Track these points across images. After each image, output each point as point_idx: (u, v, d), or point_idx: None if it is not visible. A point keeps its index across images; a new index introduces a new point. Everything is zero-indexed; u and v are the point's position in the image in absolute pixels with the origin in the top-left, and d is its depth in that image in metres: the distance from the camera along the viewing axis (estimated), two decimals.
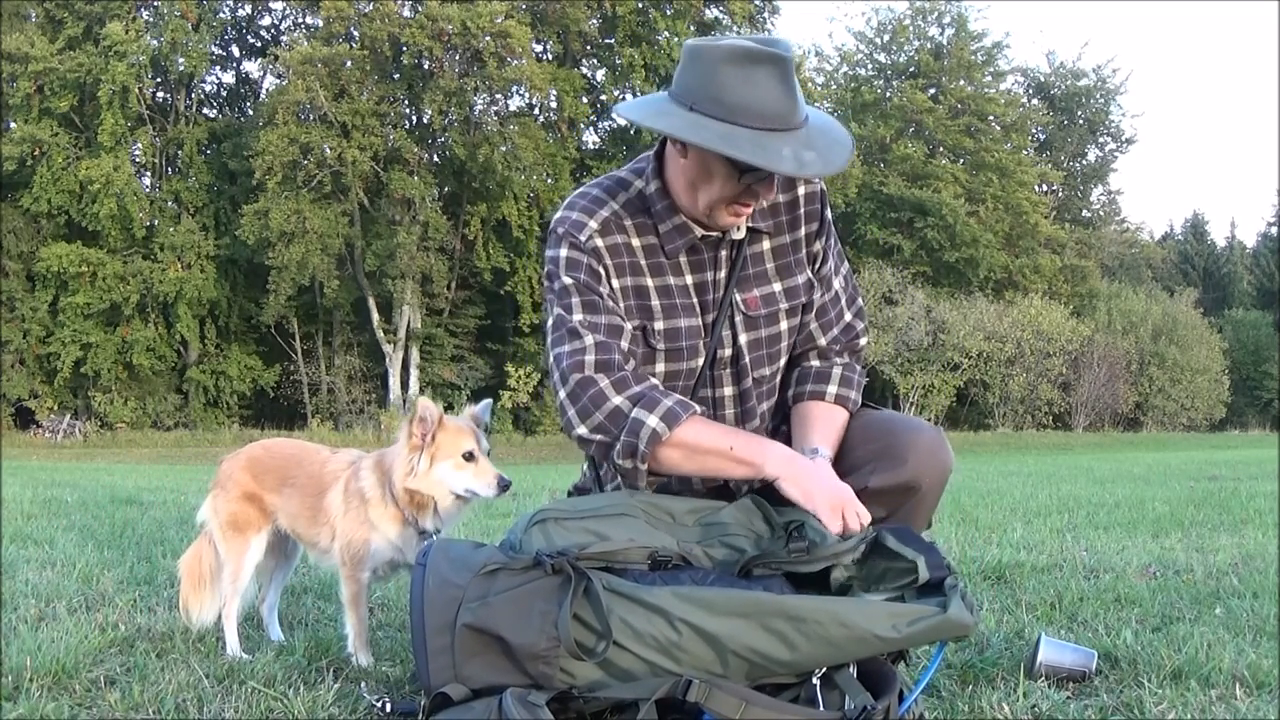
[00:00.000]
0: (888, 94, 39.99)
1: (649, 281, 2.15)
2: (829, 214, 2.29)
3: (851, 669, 1.77)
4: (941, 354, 33.74)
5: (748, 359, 2.21)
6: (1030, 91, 44.42)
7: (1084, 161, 45.90)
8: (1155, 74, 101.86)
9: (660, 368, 2.16)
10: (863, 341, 2.36)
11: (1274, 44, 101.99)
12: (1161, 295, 42.45)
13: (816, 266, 2.28)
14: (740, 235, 2.17)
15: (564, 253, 2.13)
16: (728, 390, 2.22)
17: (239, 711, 1.96)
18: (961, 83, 39.63)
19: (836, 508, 1.98)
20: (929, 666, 1.86)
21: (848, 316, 2.33)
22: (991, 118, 40.01)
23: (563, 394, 2.07)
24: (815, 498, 1.99)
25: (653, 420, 2.01)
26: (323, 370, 33.41)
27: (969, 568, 3.58)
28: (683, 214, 2.13)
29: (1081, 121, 44.19)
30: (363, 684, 2.12)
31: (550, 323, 2.15)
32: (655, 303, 2.14)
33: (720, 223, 2.11)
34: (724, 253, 2.17)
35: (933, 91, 39.61)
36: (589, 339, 2.06)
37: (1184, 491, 7.61)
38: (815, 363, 2.29)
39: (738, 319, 2.19)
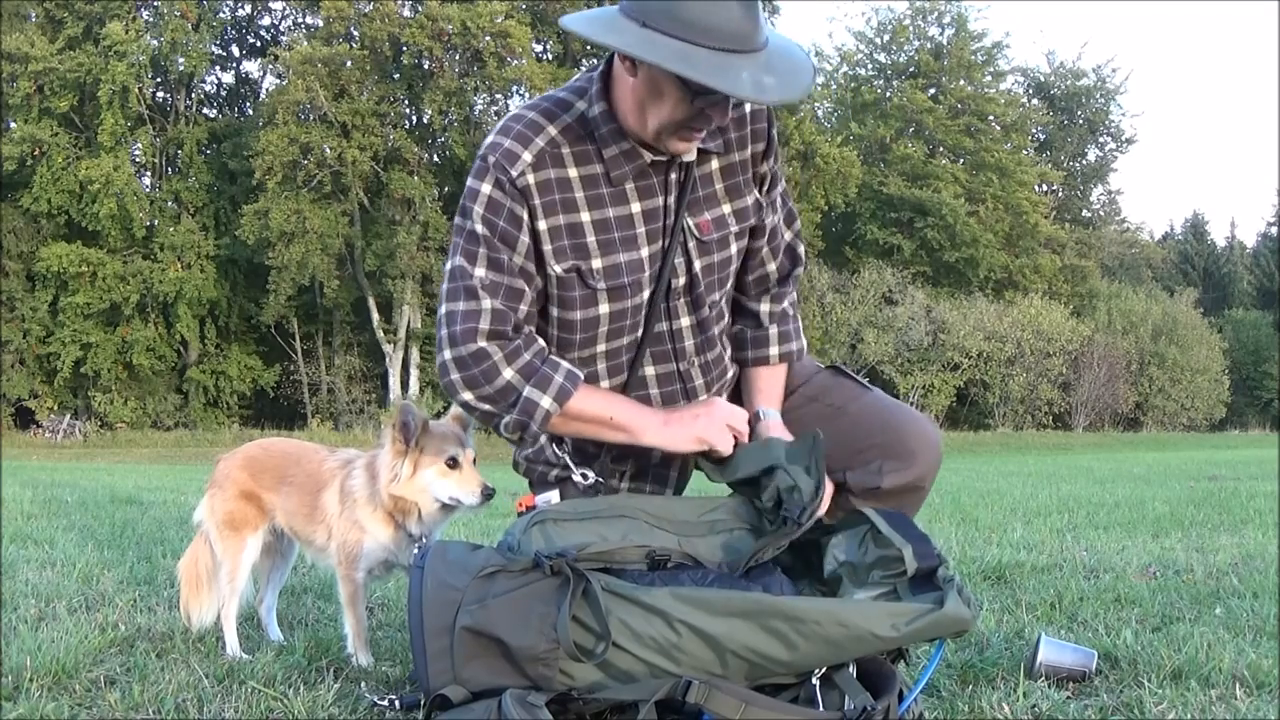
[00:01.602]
0: (888, 94, 39.97)
1: (585, 217, 2.02)
2: (775, 132, 2.18)
3: (851, 669, 1.77)
4: (941, 354, 33.74)
5: (702, 285, 2.12)
6: (1030, 91, 44.41)
7: (1084, 161, 45.88)
8: (1155, 74, 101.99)
9: (604, 309, 2.06)
10: (802, 265, 2.33)
11: (1274, 44, 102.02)
12: (1161, 295, 42.45)
13: (767, 189, 2.21)
14: (691, 158, 2.05)
15: (486, 189, 1.98)
16: (685, 320, 2.15)
17: (239, 711, 1.95)
18: (961, 83, 39.61)
19: (724, 429, 2.05)
20: (928, 666, 1.86)
21: (788, 236, 2.29)
22: (991, 118, 39.99)
23: (449, 354, 1.99)
24: (706, 434, 2.04)
25: (546, 401, 1.99)
26: (323, 370, 33.40)
27: (969, 568, 3.58)
28: (630, 138, 2.00)
29: (1081, 121, 44.18)
30: (363, 684, 2.12)
31: (448, 268, 2.03)
32: (591, 239, 2.02)
33: (670, 148, 1.98)
34: (674, 176, 2.05)
35: (933, 91, 39.59)
36: (486, 303, 1.97)
37: (1184, 491, 7.61)
38: (751, 330, 2.26)
39: (691, 245, 2.09)
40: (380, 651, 2.43)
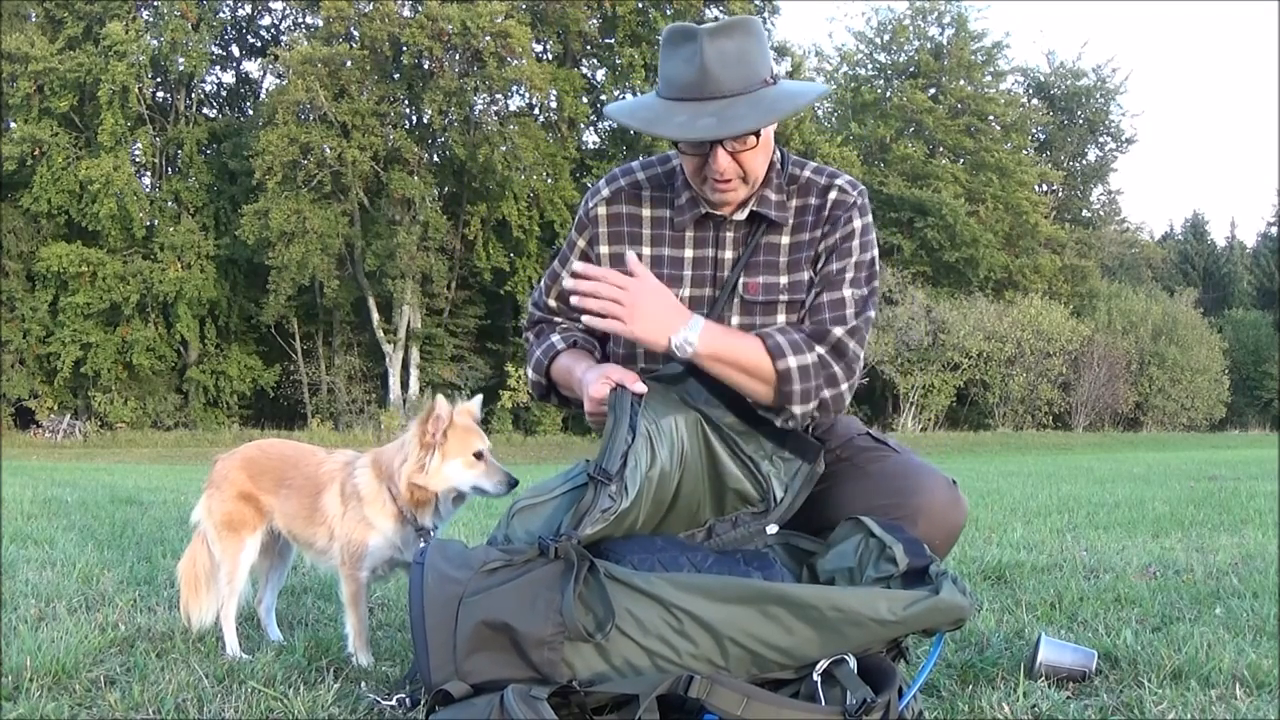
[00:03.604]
0: (888, 94, 39.98)
1: (646, 250, 2.29)
2: (856, 226, 2.21)
3: (851, 663, 1.78)
4: (941, 354, 33.73)
5: None
6: (1030, 91, 44.41)
7: (1084, 161, 45.88)
8: (1155, 74, 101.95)
9: None
10: (835, 332, 2.15)
11: (1274, 44, 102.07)
12: (1161, 295, 42.44)
13: (820, 265, 2.22)
14: (741, 217, 2.24)
15: (580, 211, 2.38)
16: None
17: (239, 711, 1.96)
18: (961, 83, 39.61)
19: (602, 380, 2.10)
20: (927, 661, 1.87)
21: (854, 321, 2.18)
22: (991, 118, 40.00)
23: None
24: (594, 391, 2.09)
25: (529, 370, 2.41)
26: (323, 370, 33.38)
27: (969, 568, 3.58)
28: (694, 189, 2.23)
29: (1081, 121, 44.17)
30: (363, 684, 2.12)
31: (555, 257, 2.46)
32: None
33: (706, 195, 2.20)
34: (729, 234, 2.25)
35: (933, 91, 39.59)
36: (544, 300, 2.43)
37: (1184, 491, 7.61)
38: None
39: (735, 301, 2.24)
40: (380, 651, 2.43)
